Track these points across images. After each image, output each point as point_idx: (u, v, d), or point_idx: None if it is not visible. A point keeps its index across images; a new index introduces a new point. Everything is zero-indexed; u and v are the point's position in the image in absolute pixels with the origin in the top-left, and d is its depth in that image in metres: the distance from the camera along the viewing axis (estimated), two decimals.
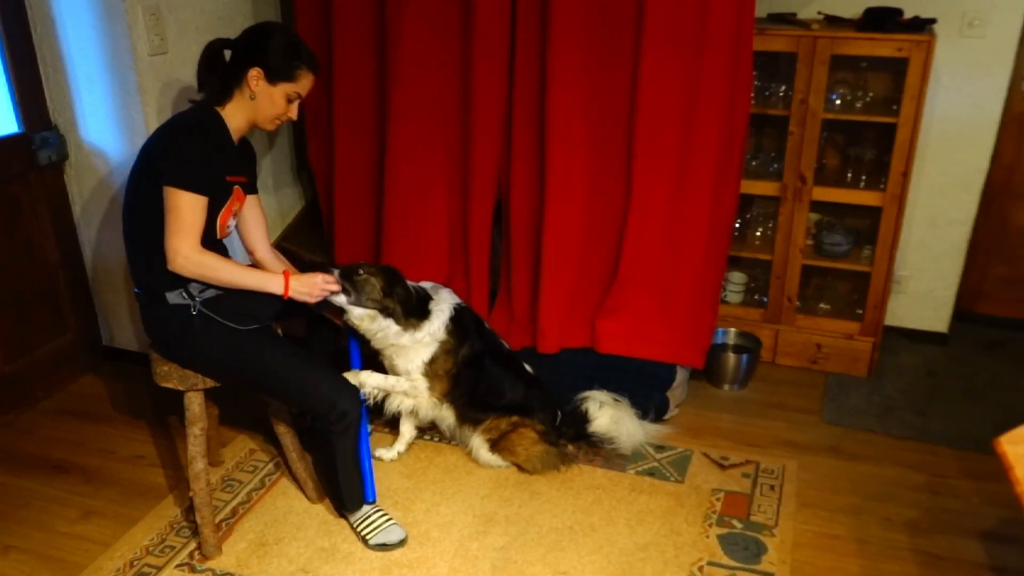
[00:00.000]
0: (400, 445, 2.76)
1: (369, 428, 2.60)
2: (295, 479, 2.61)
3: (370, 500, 2.43)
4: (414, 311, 2.49)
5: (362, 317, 2.44)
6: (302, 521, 2.47)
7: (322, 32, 2.99)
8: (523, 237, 2.98)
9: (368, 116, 3.04)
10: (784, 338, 3.35)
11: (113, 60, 2.82)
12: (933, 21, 2.97)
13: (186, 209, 2.09)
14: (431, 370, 2.58)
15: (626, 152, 2.80)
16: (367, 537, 2.35)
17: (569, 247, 2.90)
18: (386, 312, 2.44)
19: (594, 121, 2.78)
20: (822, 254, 3.28)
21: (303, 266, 2.57)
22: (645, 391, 2.90)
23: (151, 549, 2.37)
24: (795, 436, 2.91)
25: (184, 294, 2.18)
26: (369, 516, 2.39)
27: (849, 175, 3.21)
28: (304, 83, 2.26)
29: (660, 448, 2.81)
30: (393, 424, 2.82)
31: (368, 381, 2.54)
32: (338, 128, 3.06)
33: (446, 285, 2.76)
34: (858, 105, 3.13)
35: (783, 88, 3.13)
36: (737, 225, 3.36)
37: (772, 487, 2.62)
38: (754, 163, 3.28)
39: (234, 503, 2.56)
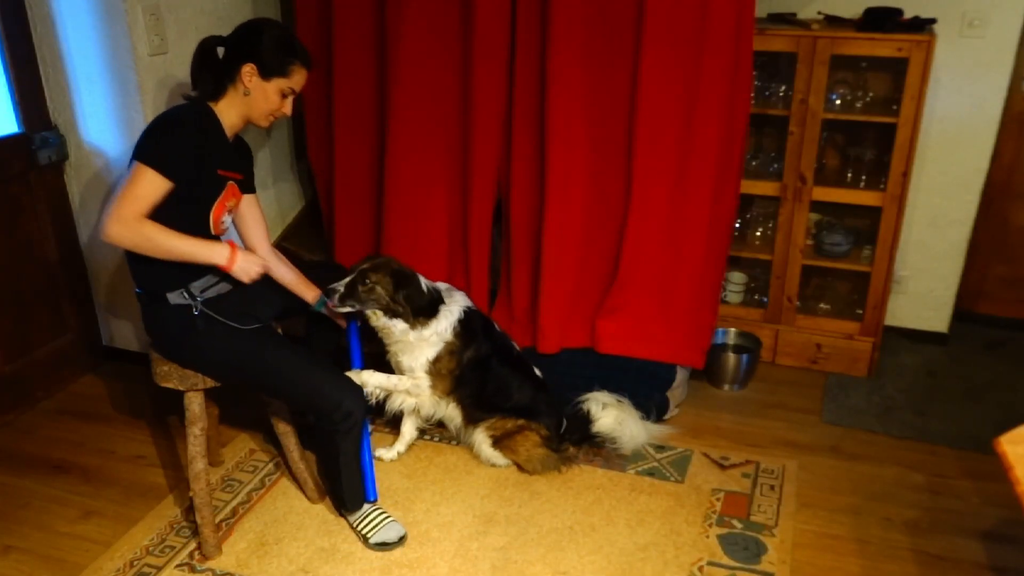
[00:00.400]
0: (400, 445, 2.77)
1: (370, 428, 2.60)
2: (295, 479, 2.61)
3: (371, 499, 2.43)
4: (423, 310, 2.50)
5: (370, 315, 2.49)
6: (302, 521, 2.47)
7: (322, 32, 2.99)
8: (523, 237, 2.98)
9: (368, 116, 3.04)
10: (784, 338, 3.35)
11: (113, 60, 2.82)
12: (933, 21, 2.97)
13: (143, 183, 2.04)
14: (434, 369, 2.58)
15: (626, 152, 2.80)
16: (367, 536, 2.35)
17: (569, 247, 2.90)
18: (392, 314, 2.46)
19: (594, 121, 2.78)
20: (822, 254, 3.28)
21: (304, 266, 2.56)
22: (645, 391, 2.90)
23: (151, 549, 2.37)
24: (795, 436, 2.91)
25: (185, 294, 2.17)
26: (369, 515, 2.39)
27: (849, 175, 3.21)
28: (297, 78, 2.26)
29: (660, 448, 2.81)
30: (393, 424, 2.83)
31: (370, 380, 2.55)
32: (338, 128, 3.06)
33: None
34: (858, 105, 3.13)
35: (783, 88, 3.13)
36: (737, 225, 3.36)
37: (772, 487, 2.62)
38: (754, 163, 3.28)
39: (234, 503, 2.56)
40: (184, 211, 2.15)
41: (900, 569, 2.30)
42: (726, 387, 3.22)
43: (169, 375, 2.25)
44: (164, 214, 2.10)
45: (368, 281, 2.42)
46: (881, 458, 2.78)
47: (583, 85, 2.73)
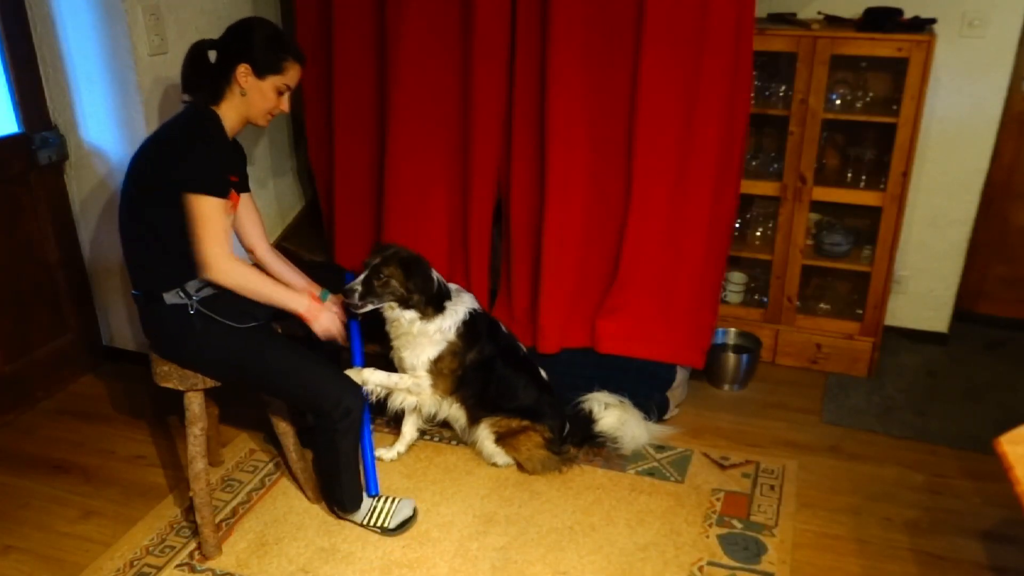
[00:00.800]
0: (400, 445, 2.77)
1: (371, 427, 2.60)
2: (295, 479, 2.60)
3: (373, 494, 2.44)
4: (432, 300, 2.53)
5: (385, 307, 2.52)
6: (302, 521, 2.47)
7: (322, 32, 2.99)
8: (523, 237, 2.98)
9: (368, 116, 3.04)
10: (784, 338, 3.35)
11: (113, 60, 2.82)
12: (933, 21, 2.97)
13: (214, 215, 2.10)
14: (436, 368, 2.59)
15: (626, 152, 2.80)
16: (385, 524, 2.37)
17: (569, 247, 2.90)
18: (406, 304, 2.50)
19: (594, 121, 2.78)
20: (822, 254, 3.28)
21: (304, 266, 2.57)
22: (645, 391, 2.90)
23: (151, 549, 2.37)
24: (795, 436, 2.91)
25: (181, 293, 2.17)
26: (375, 507, 2.41)
27: (849, 175, 3.21)
28: (292, 74, 2.26)
29: (660, 448, 2.81)
30: (394, 423, 2.83)
31: (371, 378, 2.55)
32: (338, 128, 3.06)
33: None
34: (858, 105, 3.13)
35: (783, 88, 3.13)
36: (737, 225, 3.36)
37: (772, 487, 2.62)
38: (754, 163, 3.28)
39: (234, 503, 2.56)
40: None
41: (900, 569, 2.30)
42: (726, 387, 3.22)
43: (169, 375, 2.25)
44: (178, 222, 2.12)
45: (382, 275, 2.46)
46: (881, 458, 2.78)
47: (583, 85, 2.73)
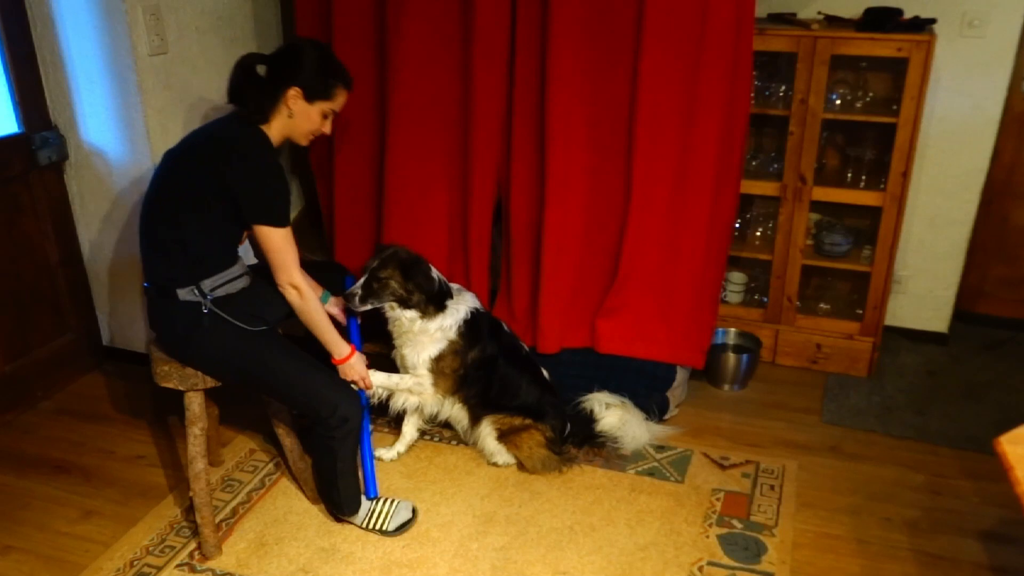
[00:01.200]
0: (400, 446, 2.77)
1: (371, 427, 2.60)
2: (295, 479, 2.61)
3: (372, 496, 2.44)
4: (433, 299, 2.53)
5: (386, 306, 2.53)
6: (302, 521, 2.47)
7: (322, 32, 2.99)
8: (523, 237, 2.98)
9: (368, 116, 3.04)
10: (784, 338, 3.35)
11: (113, 60, 2.82)
12: (933, 21, 2.97)
13: (288, 245, 2.19)
14: (437, 367, 2.59)
15: (626, 152, 2.80)
16: (383, 527, 2.37)
17: (569, 247, 2.90)
18: (406, 304, 2.50)
19: (594, 121, 2.78)
20: (822, 254, 3.28)
21: (303, 266, 2.56)
22: (645, 391, 2.90)
23: (151, 549, 2.37)
24: (795, 436, 2.91)
25: (196, 291, 2.18)
26: (374, 509, 2.41)
27: (849, 175, 3.21)
28: (340, 100, 2.31)
29: (660, 448, 2.81)
30: (394, 423, 2.83)
31: (372, 380, 2.55)
32: (338, 128, 3.05)
33: None
34: (858, 105, 3.13)
35: (783, 88, 3.13)
36: (737, 225, 3.36)
37: (772, 487, 2.62)
38: (754, 163, 3.28)
39: (234, 503, 2.56)
40: (228, 229, 2.21)
41: (900, 569, 2.30)
42: (726, 387, 3.22)
43: (169, 375, 2.25)
44: (210, 227, 2.15)
45: (381, 277, 2.47)
46: (881, 458, 2.78)
47: (583, 85, 2.73)
